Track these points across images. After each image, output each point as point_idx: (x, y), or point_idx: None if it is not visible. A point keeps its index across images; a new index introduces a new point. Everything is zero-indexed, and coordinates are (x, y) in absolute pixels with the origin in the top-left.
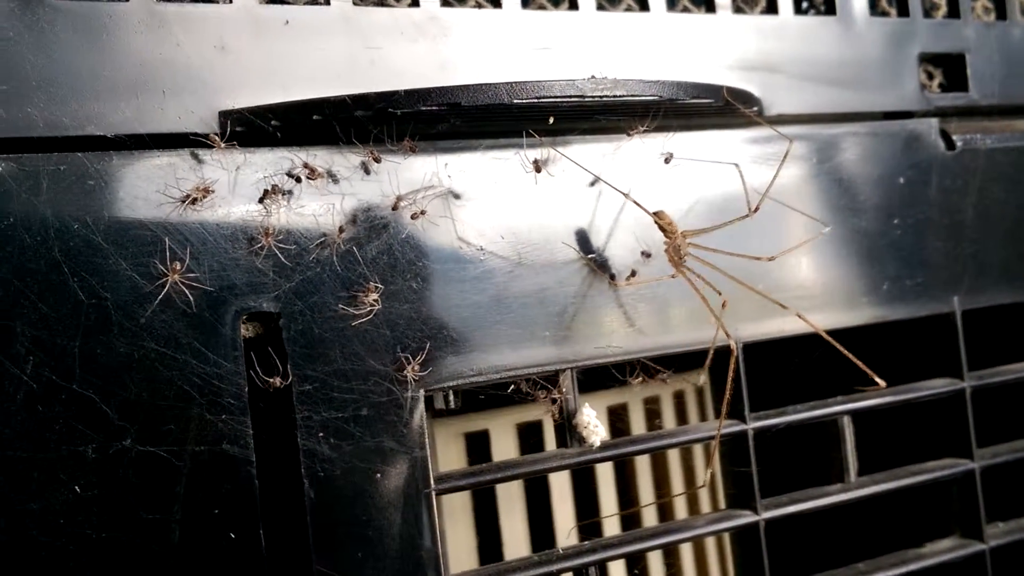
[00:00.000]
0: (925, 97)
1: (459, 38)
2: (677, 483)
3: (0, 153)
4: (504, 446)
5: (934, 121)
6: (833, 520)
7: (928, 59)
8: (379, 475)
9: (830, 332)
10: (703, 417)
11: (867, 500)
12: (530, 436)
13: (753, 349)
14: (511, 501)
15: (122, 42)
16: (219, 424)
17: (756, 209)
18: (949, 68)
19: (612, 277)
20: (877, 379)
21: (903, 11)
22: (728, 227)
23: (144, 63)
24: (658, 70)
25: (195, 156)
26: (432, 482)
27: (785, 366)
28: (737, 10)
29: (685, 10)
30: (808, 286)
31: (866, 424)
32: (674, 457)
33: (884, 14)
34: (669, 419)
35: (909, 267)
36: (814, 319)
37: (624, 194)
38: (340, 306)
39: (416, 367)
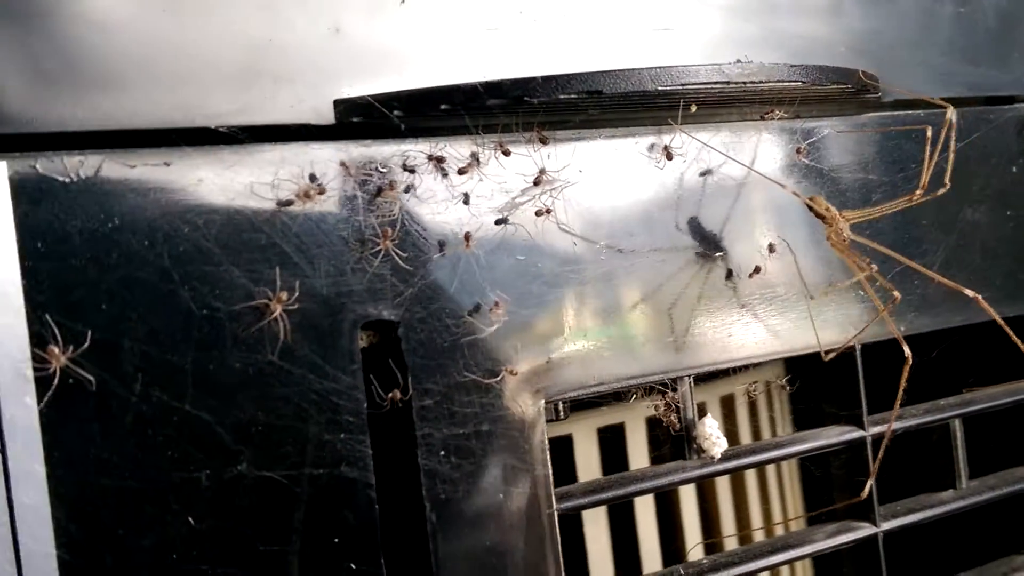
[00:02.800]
0: None
1: (578, 19)
2: (753, 492)
3: (103, 148)
4: (588, 451)
5: None
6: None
7: None
8: (502, 495)
9: (941, 332)
10: (772, 417)
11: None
12: (612, 438)
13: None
14: (596, 510)
15: (230, 23)
16: (337, 444)
17: (923, 187)
18: None
19: (729, 274)
20: None
21: None
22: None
23: (254, 47)
24: (774, 54)
25: (309, 150)
26: (554, 501)
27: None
28: None
29: None
30: (919, 283)
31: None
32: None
33: None
34: (743, 418)
35: (1021, 261)
36: (922, 320)
37: (780, 184)
38: (465, 315)
39: (515, 369)
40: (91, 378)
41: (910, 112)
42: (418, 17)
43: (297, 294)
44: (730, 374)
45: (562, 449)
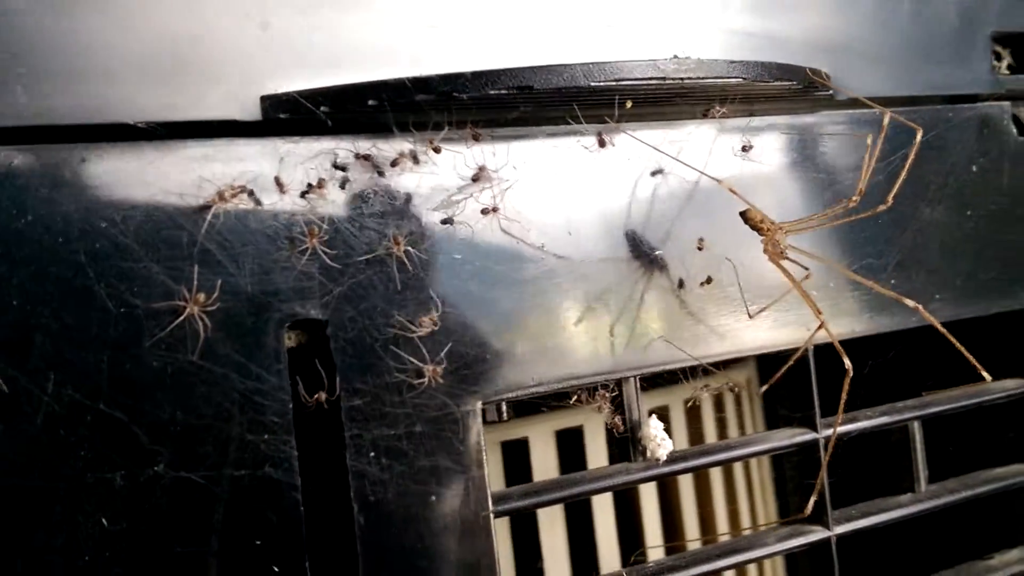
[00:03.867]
0: (996, 79)
1: (521, 14)
2: (719, 493)
3: (17, 143)
4: (544, 455)
5: (1006, 104)
6: (891, 528)
7: (999, 39)
8: (434, 497)
9: (901, 332)
10: (741, 420)
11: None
12: (569, 442)
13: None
14: (551, 512)
15: (154, 19)
16: (261, 445)
17: (860, 193)
18: (1020, 48)
19: (680, 284)
20: (984, 373)
21: None
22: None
23: (178, 43)
24: (726, 51)
25: (235, 146)
26: (490, 503)
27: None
28: None
29: None
30: (879, 284)
31: (930, 427)
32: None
33: None
34: (709, 422)
35: (983, 261)
36: (883, 320)
37: (718, 181)
38: (396, 315)
39: (438, 370)
40: None
41: (865, 111)
42: (352, 13)
43: (216, 294)
44: (684, 379)
45: (518, 452)
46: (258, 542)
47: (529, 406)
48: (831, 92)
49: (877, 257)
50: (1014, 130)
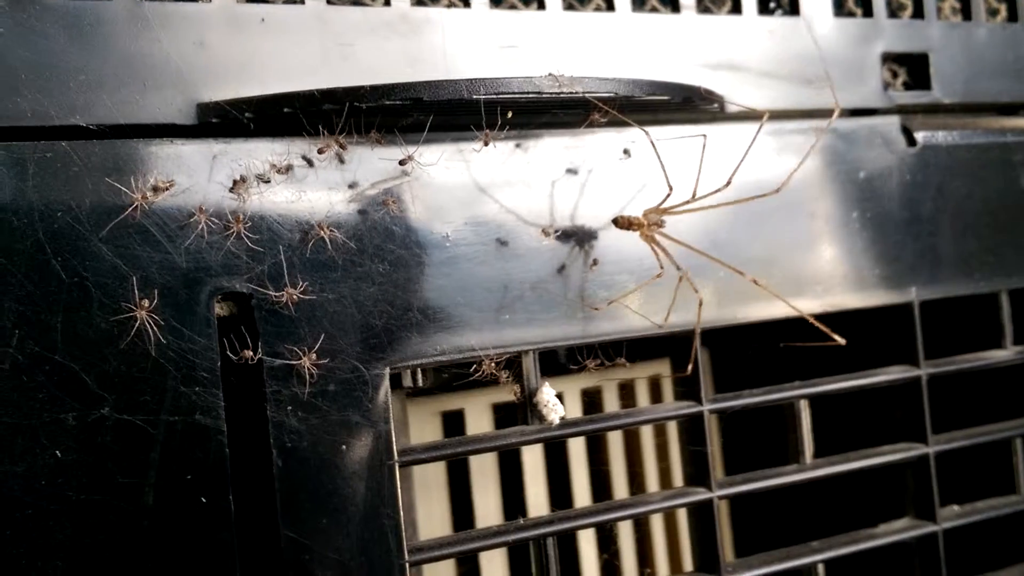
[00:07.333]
0: (888, 95)
1: (429, 36)
2: (650, 459)
3: None
4: (479, 424)
5: (895, 118)
6: (796, 504)
7: (892, 58)
8: (344, 447)
9: (791, 319)
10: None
11: (822, 481)
12: (506, 415)
13: (715, 335)
14: (484, 478)
15: (106, 38)
16: (192, 396)
17: (778, 190)
18: (913, 67)
19: (561, 269)
20: (836, 337)
21: (867, 12)
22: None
23: (127, 58)
24: (624, 68)
25: (174, 146)
26: (395, 454)
27: (745, 352)
28: (703, 10)
29: (653, 10)
30: (770, 274)
31: (828, 414)
32: (647, 434)
33: (851, 14)
34: (644, 401)
35: (869, 258)
36: (777, 308)
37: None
38: (312, 290)
39: (313, 356)
40: None
41: (749, 122)
42: (277, 33)
43: (156, 301)
44: (580, 358)
45: (455, 423)
46: (189, 477)
47: (468, 380)
48: (715, 105)
49: (768, 251)
50: (903, 141)
